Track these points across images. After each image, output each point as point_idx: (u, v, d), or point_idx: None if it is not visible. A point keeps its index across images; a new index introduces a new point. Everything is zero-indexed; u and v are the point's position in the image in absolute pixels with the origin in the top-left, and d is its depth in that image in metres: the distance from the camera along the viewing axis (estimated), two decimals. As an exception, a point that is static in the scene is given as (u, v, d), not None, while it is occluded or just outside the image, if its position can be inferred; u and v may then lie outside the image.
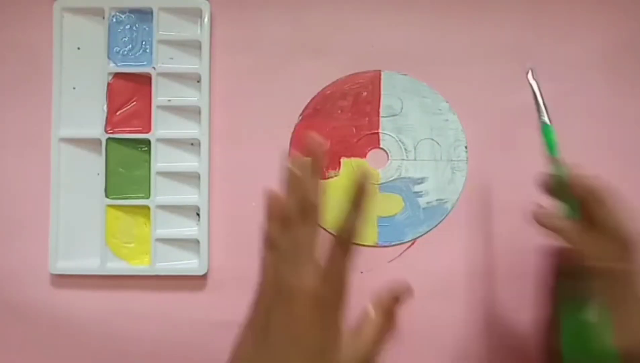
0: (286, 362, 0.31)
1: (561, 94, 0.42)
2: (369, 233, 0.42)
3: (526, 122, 0.42)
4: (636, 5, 0.43)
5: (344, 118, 0.42)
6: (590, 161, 0.41)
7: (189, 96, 0.42)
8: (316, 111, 0.42)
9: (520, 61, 0.42)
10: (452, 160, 0.42)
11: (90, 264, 0.41)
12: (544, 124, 0.38)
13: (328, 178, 0.42)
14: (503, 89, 0.42)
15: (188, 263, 0.42)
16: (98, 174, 0.42)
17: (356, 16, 0.43)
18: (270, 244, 0.33)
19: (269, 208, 0.34)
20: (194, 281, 0.42)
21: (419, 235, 0.42)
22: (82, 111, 0.42)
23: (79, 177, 0.42)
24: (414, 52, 0.43)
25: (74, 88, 0.42)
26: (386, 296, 0.35)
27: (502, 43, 0.42)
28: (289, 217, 0.32)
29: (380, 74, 0.42)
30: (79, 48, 0.42)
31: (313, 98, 0.43)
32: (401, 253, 0.42)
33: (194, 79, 0.42)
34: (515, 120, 0.42)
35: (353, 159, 0.42)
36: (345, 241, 0.31)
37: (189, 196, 0.42)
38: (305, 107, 0.43)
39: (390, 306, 0.35)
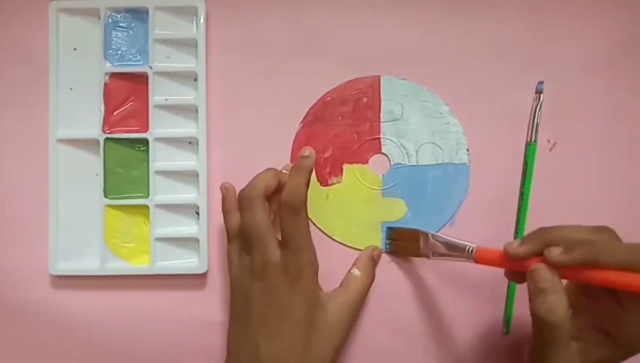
0: (277, 333, 0.35)
1: (561, 94, 0.42)
2: (373, 238, 0.42)
3: (527, 123, 0.42)
4: (636, 5, 0.42)
5: (344, 124, 0.42)
6: (591, 161, 0.42)
7: (186, 95, 0.42)
8: (317, 118, 0.42)
9: (520, 61, 0.42)
10: (454, 163, 0.42)
11: (90, 264, 0.41)
12: (530, 143, 0.40)
13: (330, 185, 0.42)
14: (504, 90, 0.42)
15: (188, 262, 0.42)
16: (96, 174, 0.42)
17: (355, 17, 0.43)
18: (231, 235, 0.39)
19: (224, 203, 0.40)
20: (194, 280, 0.42)
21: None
22: (80, 112, 0.42)
23: (77, 178, 0.42)
24: (413, 55, 0.42)
25: (70, 89, 0.42)
26: (366, 259, 0.41)
27: (502, 44, 0.42)
28: (240, 207, 0.37)
29: (379, 80, 0.42)
30: (75, 49, 0.42)
31: (313, 105, 0.42)
32: (401, 253, 0.42)
33: (191, 78, 0.42)
34: (516, 121, 0.42)
35: (355, 165, 0.42)
36: (290, 204, 0.35)
37: (187, 194, 0.42)
38: (306, 115, 0.42)
39: (371, 266, 0.41)
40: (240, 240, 0.38)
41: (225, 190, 0.40)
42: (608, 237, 0.32)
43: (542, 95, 0.41)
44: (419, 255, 0.40)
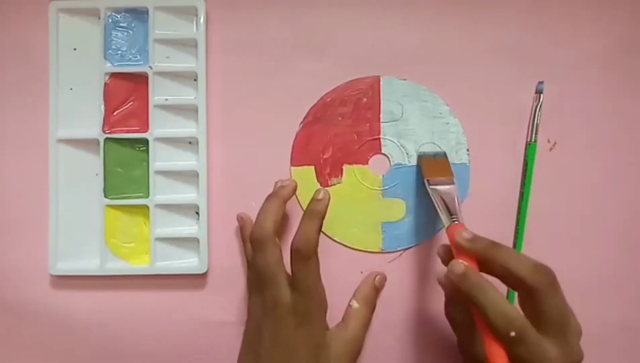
0: None
1: (561, 94, 0.42)
2: (373, 239, 0.42)
3: (527, 123, 0.42)
4: (636, 5, 0.42)
5: (344, 125, 0.42)
6: (590, 162, 0.42)
7: (186, 95, 0.42)
8: (317, 119, 0.42)
9: (520, 61, 0.42)
10: (454, 163, 0.42)
11: (90, 264, 0.41)
12: (530, 143, 0.40)
13: (330, 185, 0.42)
14: (504, 90, 0.42)
15: (188, 262, 0.42)
16: (97, 174, 0.42)
17: (354, 17, 0.42)
18: (249, 264, 0.40)
19: (242, 232, 0.41)
20: (194, 280, 0.42)
21: (425, 239, 0.42)
22: (80, 112, 0.42)
23: (77, 178, 0.42)
24: (413, 55, 0.42)
25: (71, 89, 0.42)
26: (366, 287, 0.41)
27: (502, 44, 0.42)
28: (256, 240, 0.37)
29: (379, 80, 0.42)
30: (75, 49, 0.42)
31: (313, 106, 0.42)
32: (401, 254, 0.42)
33: (191, 78, 0.42)
34: (516, 121, 0.42)
35: (355, 166, 0.42)
36: (301, 252, 0.36)
37: (187, 194, 0.42)
38: (306, 115, 0.42)
39: (371, 295, 0.41)
40: None
41: (241, 221, 0.41)
42: (546, 283, 0.31)
43: (542, 95, 0.41)
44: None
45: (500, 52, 0.42)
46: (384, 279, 0.41)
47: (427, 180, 0.38)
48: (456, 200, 0.36)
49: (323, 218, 0.37)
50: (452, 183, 0.38)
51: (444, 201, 0.37)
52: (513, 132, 0.42)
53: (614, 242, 0.42)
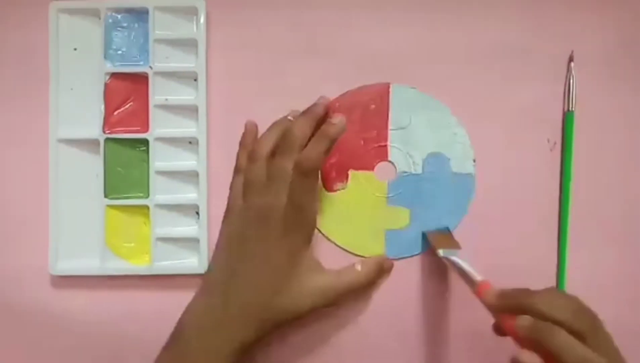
0: (256, 274, 0.37)
1: (561, 94, 0.42)
2: (375, 245, 0.42)
3: (535, 133, 0.42)
4: (636, 5, 0.42)
5: (352, 130, 0.42)
6: (591, 162, 0.42)
7: (186, 95, 0.42)
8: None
9: (528, 66, 0.42)
10: (460, 173, 0.42)
11: (90, 264, 0.41)
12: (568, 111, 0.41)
13: (336, 190, 0.42)
14: (513, 101, 0.42)
15: (188, 262, 0.42)
16: (97, 174, 0.42)
17: (355, 18, 0.43)
18: (237, 170, 0.40)
19: (243, 137, 0.41)
20: (194, 280, 0.42)
21: (427, 248, 0.42)
22: (80, 112, 0.42)
23: (77, 178, 0.42)
24: (419, 61, 0.42)
25: (71, 89, 0.42)
26: (372, 260, 0.41)
27: (511, 51, 0.42)
28: (261, 151, 0.39)
29: (389, 87, 0.42)
30: (75, 49, 0.42)
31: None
32: (403, 262, 0.42)
33: (191, 78, 0.42)
34: (524, 132, 0.42)
35: (361, 171, 0.42)
36: (302, 167, 0.36)
37: (187, 194, 0.42)
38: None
39: (373, 268, 0.40)
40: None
41: (249, 125, 0.41)
42: (589, 326, 0.30)
43: (572, 63, 0.41)
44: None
45: (510, 59, 0.42)
46: (391, 266, 0.42)
47: (440, 251, 0.38)
48: (468, 262, 0.37)
49: (334, 141, 0.37)
50: (459, 247, 0.39)
51: (460, 266, 0.37)
52: (520, 144, 0.42)
53: (612, 243, 0.42)
